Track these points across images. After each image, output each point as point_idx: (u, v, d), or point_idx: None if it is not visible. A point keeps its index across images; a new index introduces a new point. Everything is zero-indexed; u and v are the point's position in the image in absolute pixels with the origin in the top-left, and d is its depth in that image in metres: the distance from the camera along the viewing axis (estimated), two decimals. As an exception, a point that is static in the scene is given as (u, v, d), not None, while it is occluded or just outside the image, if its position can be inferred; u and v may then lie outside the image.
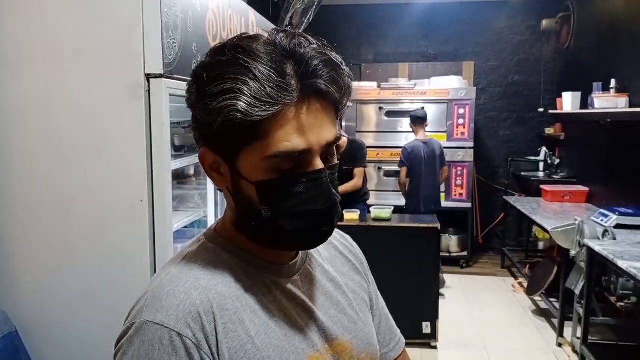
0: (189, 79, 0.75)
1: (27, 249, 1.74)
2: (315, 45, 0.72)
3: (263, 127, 0.69)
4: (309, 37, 0.73)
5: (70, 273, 1.72)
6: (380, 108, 5.94)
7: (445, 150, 5.75)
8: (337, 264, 0.94)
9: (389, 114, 5.94)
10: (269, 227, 0.74)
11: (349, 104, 0.77)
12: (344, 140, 4.36)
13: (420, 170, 4.89)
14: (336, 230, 1.00)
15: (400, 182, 4.99)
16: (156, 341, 0.67)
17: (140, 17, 1.62)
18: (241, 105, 0.67)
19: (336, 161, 0.78)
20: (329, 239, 0.96)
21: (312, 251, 0.90)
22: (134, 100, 1.64)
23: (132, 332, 0.69)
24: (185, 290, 0.72)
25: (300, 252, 0.86)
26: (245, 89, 0.67)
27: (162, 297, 0.71)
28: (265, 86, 0.67)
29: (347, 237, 1.03)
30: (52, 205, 1.72)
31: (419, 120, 5.02)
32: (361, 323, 0.89)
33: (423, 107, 5.63)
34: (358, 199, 4.47)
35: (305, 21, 4.39)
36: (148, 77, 1.65)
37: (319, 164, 0.73)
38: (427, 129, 5.14)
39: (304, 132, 0.70)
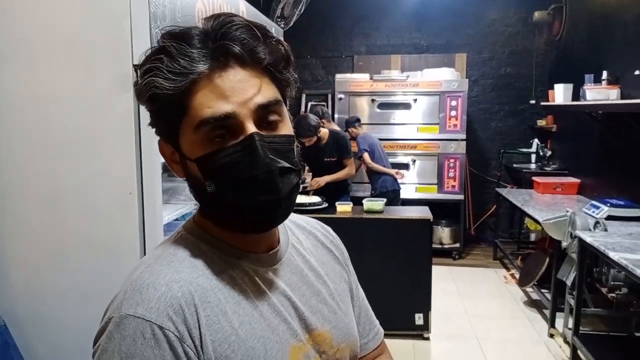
0: None
1: (16, 244, 1.72)
2: (239, 17, 0.73)
3: (184, 99, 0.71)
4: (236, 15, 0.74)
5: (59, 267, 1.70)
6: (373, 100, 5.93)
7: (437, 142, 5.83)
8: (318, 254, 0.94)
9: (382, 105, 5.93)
10: (217, 203, 0.74)
11: (290, 69, 0.77)
12: (324, 132, 4.40)
13: (380, 155, 5.23)
14: (317, 221, 1.01)
15: (368, 166, 5.20)
16: (138, 335, 0.66)
17: (127, 7, 1.60)
18: (158, 80, 0.69)
19: (285, 131, 0.76)
20: (310, 229, 0.96)
21: (294, 241, 0.90)
22: (122, 92, 1.62)
23: (112, 327, 0.68)
24: (166, 283, 0.71)
25: (281, 241, 0.85)
26: (160, 65, 0.69)
27: (142, 289, 0.70)
28: (178, 59, 0.70)
29: (328, 228, 1.03)
30: (41, 198, 1.69)
31: (357, 122, 5.38)
32: (341, 313, 0.89)
33: (415, 100, 5.68)
34: (342, 189, 4.53)
35: (297, 12, 4.37)
36: (136, 67, 1.62)
37: (250, 128, 0.71)
38: (419, 120, 5.58)
39: (225, 96, 0.71)
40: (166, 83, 0.69)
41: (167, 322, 0.67)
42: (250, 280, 0.78)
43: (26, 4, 1.66)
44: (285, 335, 0.78)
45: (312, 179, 4.65)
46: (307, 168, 4.76)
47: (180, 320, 0.68)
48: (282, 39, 0.76)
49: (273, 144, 0.73)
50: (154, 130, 0.79)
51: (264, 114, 0.73)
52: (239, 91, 0.71)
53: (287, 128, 0.76)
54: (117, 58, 1.62)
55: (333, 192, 4.40)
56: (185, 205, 2.37)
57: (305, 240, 0.93)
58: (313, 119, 4.29)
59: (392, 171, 5.17)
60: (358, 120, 5.44)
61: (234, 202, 0.72)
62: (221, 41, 0.70)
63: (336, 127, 5.03)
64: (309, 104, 6.42)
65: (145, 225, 1.68)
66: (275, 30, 3.32)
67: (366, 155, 5.17)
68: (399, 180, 5.28)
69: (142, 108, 1.64)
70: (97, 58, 1.63)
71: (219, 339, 0.70)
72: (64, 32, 1.64)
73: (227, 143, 0.71)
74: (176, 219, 2.25)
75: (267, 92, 0.73)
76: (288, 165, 0.73)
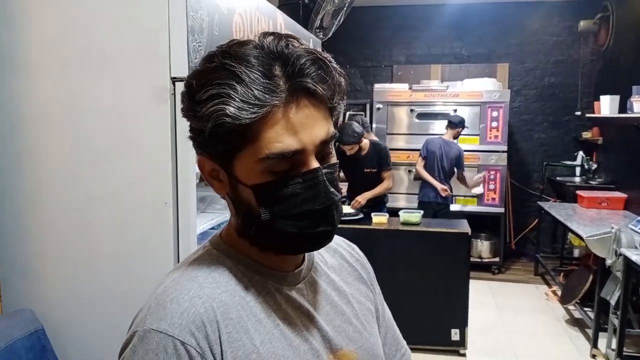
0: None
1: (54, 249, 1.77)
2: (303, 46, 0.72)
3: (253, 129, 0.69)
4: (298, 38, 0.74)
5: (96, 273, 1.74)
6: (412, 110, 5.88)
7: (477, 153, 5.67)
8: (343, 273, 0.93)
9: (420, 116, 5.88)
10: (270, 230, 0.74)
11: (344, 102, 0.77)
12: (365, 143, 4.37)
13: (434, 165, 5.05)
14: (343, 239, 1.00)
15: (417, 170, 5.17)
16: (160, 350, 0.67)
17: (166, 21, 1.63)
18: (230, 109, 0.67)
19: (334, 160, 0.77)
20: (336, 247, 0.95)
21: (319, 260, 0.89)
22: (159, 103, 1.65)
23: (136, 341, 0.69)
24: (190, 298, 0.71)
25: (306, 260, 0.85)
26: (233, 93, 0.67)
27: (166, 304, 0.71)
28: (253, 89, 0.68)
29: (354, 246, 1.02)
30: (79, 206, 1.74)
31: (450, 124, 5.19)
32: (366, 333, 0.88)
33: (455, 110, 5.60)
34: (380, 201, 4.50)
35: (336, 23, 4.37)
36: (174, 80, 1.66)
37: (314, 163, 0.72)
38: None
39: (295, 131, 0.70)
40: (239, 113, 0.67)
41: (189, 338, 0.68)
42: (273, 299, 0.78)
43: (66, 15, 1.71)
44: (307, 355, 0.77)
45: (348, 188, 4.62)
46: (341, 175, 4.74)
47: (202, 336, 0.69)
48: (336, 65, 0.75)
49: (329, 175, 0.74)
50: (192, 144, 0.77)
51: (322, 148, 0.74)
52: (308, 127, 0.71)
53: (334, 157, 0.78)
54: (155, 70, 1.65)
55: (371, 204, 4.37)
56: (222, 214, 2.40)
57: (330, 259, 0.93)
58: (358, 126, 4.27)
59: (438, 185, 4.97)
60: (462, 122, 5.18)
61: (289, 231, 0.73)
62: (298, 78, 0.70)
63: (375, 138, 5.00)
64: (347, 113, 6.42)
65: (180, 235, 1.70)
66: (314, 41, 3.33)
67: (419, 161, 5.11)
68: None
69: (179, 119, 1.69)
70: (135, 70, 1.67)
71: (240, 356, 0.71)
72: (103, 43, 1.69)
73: (288, 174, 0.72)
74: (211, 228, 2.28)
75: (328, 127, 0.74)
76: (340, 196, 0.76)
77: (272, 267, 0.79)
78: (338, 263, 0.94)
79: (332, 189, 0.74)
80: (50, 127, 1.75)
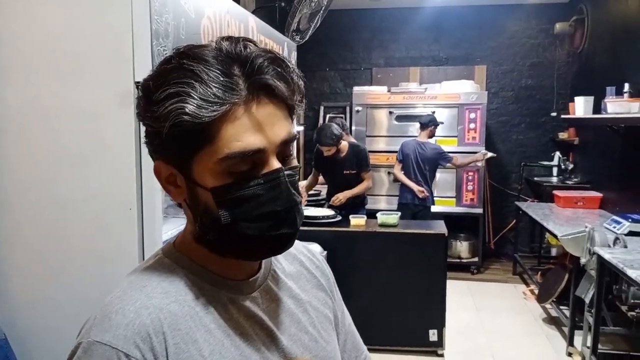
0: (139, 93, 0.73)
1: (17, 255, 1.74)
2: (261, 47, 0.72)
3: (212, 129, 0.68)
4: (255, 42, 0.73)
5: (60, 281, 1.71)
6: (391, 112, 5.91)
7: (456, 154, 5.68)
8: (301, 281, 0.91)
9: (399, 118, 5.91)
10: (230, 234, 0.72)
11: (302, 104, 0.76)
12: (344, 145, 4.38)
13: (410, 167, 5.11)
14: (304, 244, 0.98)
15: (394, 173, 5.31)
16: None
17: (129, 24, 1.61)
18: (189, 107, 0.66)
19: (295, 163, 0.77)
20: (295, 253, 0.94)
21: (276, 267, 0.88)
22: (123, 108, 1.63)
23: (80, 353, 0.68)
24: (136, 310, 0.70)
25: (262, 268, 0.83)
26: (192, 91, 0.66)
27: (111, 315, 0.69)
28: (212, 87, 0.67)
29: (315, 252, 1.00)
30: (41, 211, 1.71)
31: (420, 125, 5.26)
32: (323, 342, 0.87)
33: (434, 112, 5.62)
34: (359, 202, 4.53)
35: (313, 25, 4.36)
36: (137, 84, 1.63)
37: (275, 163, 0.71)
38: (437, 132, 5.29)
39: (256, 130, 0.69)
40: (198, 111, 0.66)
41: (133, 350, 0.67)
42: (224, 309, 0.76)
43: (28, 19, 1.69)
44: None
45: (327, 190, 4.63)
46: (317, 178, 4.76)
47: (148, 348, 0.68)
48: (295, 54, 0.75)
49: (290, 177, 0.73)
50: (148, 149, 0.76)
51: (283, 148, 0.73)
52: (268, 126, 0.70)
53: (295, 160, 0.77)
54: (118, 75, 1.63)
55: (350, 205, 4.39)
56: (193, 219, 2.38)
57: (288, 266, 0.91)
58: (337, 128, 4.29)
59: (414, 186, 5.00)
60: (433, 120, 5.19)
61: (250, 234, 0.72)
62: (258, 75, 0.69)
63: (354, 140, 5.02)
64: (327, 116, 6.44)
65: (145, 241, 1.68)
66: (288, 45, 3.33)
67: (396, 165, 5.19)
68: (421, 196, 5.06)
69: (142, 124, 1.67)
70: (98, 74, 1.65)
71: None
72: (66, 47, 1.66)
73: (248, 175, 0.70)
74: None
75: (289, 127, 0.73)
76: (301, 198, 0.75)
77: (226, 276, 0.78)
78: (296, 270, 0.92)
79: (294, 191, 0.73)
80: (17, 129, 1.71)
